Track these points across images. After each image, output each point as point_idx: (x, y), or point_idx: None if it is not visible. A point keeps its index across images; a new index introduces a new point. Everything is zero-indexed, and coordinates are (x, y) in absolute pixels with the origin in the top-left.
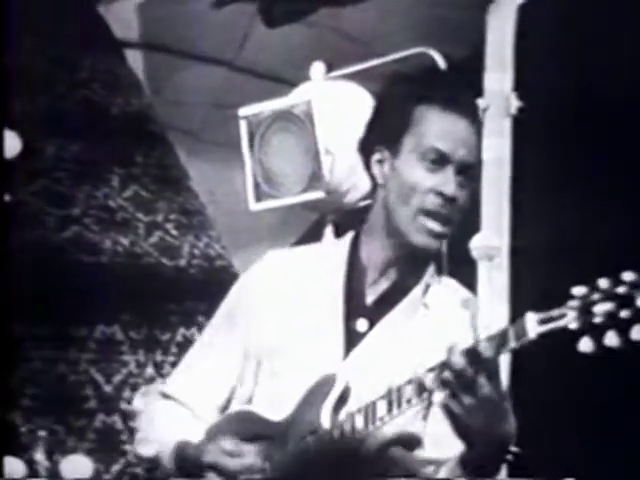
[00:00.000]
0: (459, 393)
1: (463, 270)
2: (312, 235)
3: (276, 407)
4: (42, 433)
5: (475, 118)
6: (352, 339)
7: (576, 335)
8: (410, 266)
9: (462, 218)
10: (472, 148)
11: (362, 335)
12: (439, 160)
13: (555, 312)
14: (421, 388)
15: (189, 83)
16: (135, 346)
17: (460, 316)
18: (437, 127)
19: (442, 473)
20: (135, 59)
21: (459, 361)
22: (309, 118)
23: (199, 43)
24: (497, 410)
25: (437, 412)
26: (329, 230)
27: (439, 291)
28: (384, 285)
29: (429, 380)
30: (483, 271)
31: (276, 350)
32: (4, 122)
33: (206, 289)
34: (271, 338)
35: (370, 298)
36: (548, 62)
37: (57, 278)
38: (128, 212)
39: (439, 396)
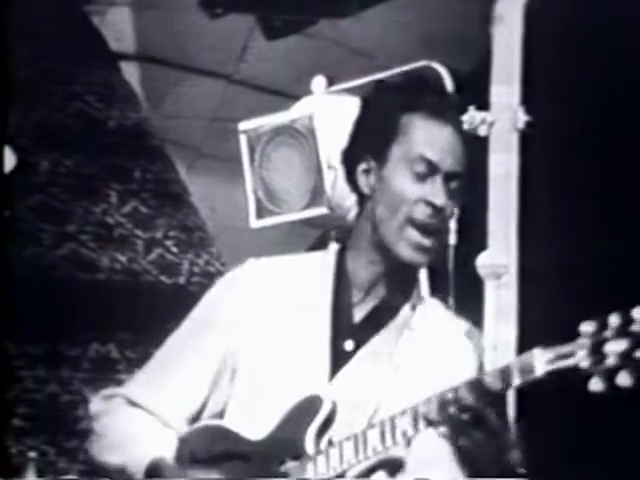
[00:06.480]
0: (466, 427)
1: (470, 289)
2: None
3: (251, 423)
4: (33, 454)
5: (460, 126)
6: (338, 359)
7: (586, 373)
8: (397, 283)
9: (449, 230)
10: (459, 157)
11: (349, 355)
12: (428, 169)
13: (565, 349)
14: (417, 420)
15: (187, 96)
16: (131, 365)
17: (446, 339)
18: (424, 135)
19: None
20: (131, 72)
21: (467, 396)
22: (311, 133)
23: (197, 55)
24: (504, 442)
25: (422, 437)
26: (332, 246)
27: (424, 312)
28: (371, 303)
29: (433, 414)
30: (490, 290)
31: (258, 362)
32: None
33: None
34: (254, 347)
35: (357, 316)
36: (556, 75)
37: (52, 296)
38: (126, 228)
39: (444, 430)
